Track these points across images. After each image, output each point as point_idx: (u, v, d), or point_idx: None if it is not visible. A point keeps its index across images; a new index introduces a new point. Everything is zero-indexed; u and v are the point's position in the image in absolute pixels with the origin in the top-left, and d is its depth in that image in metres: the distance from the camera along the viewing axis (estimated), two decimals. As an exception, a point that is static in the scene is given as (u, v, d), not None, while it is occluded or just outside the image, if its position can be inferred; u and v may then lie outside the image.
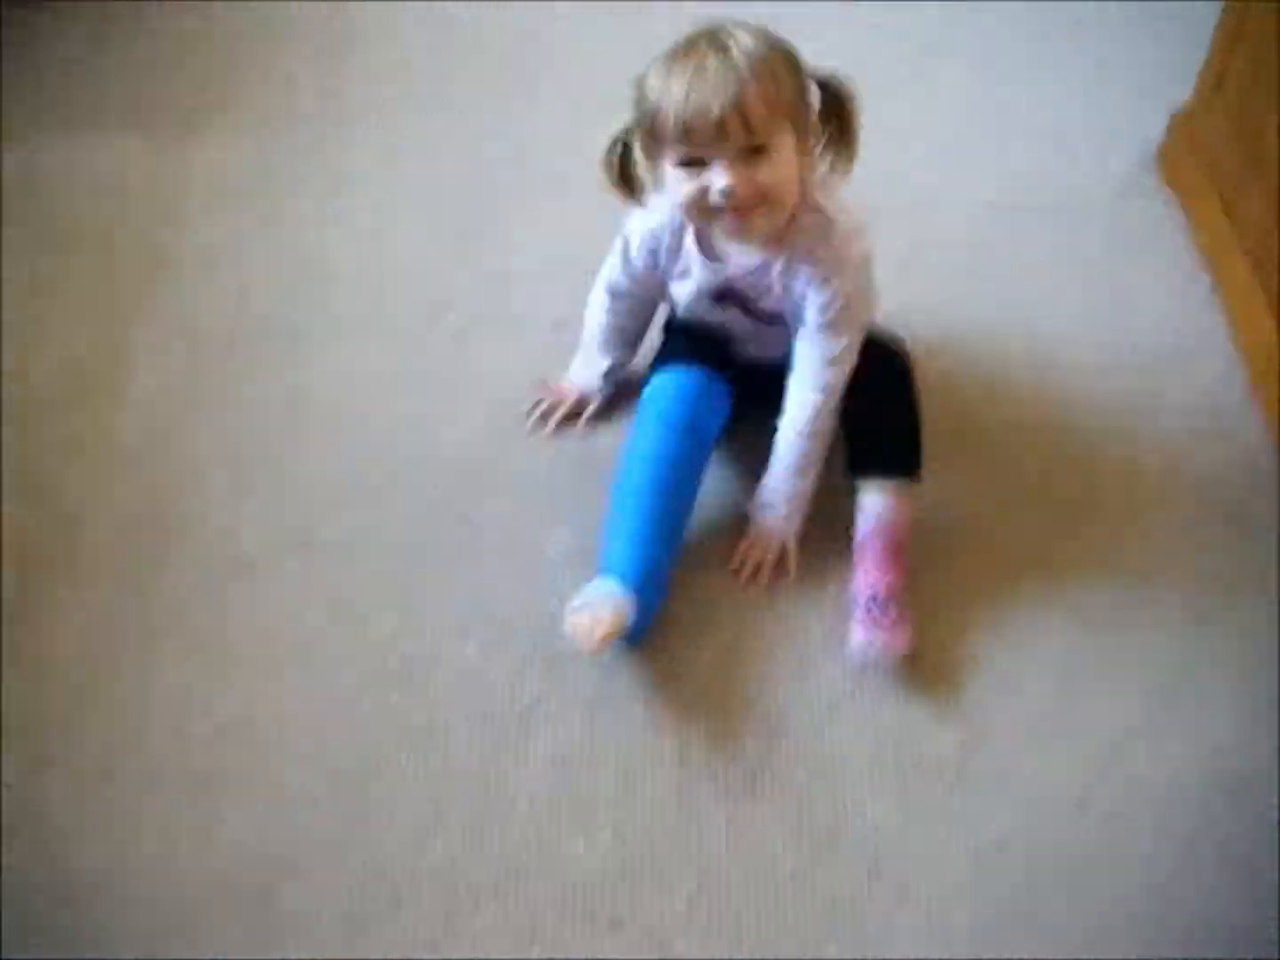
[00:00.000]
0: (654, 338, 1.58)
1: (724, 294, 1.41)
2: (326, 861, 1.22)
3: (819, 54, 1.27)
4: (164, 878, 1.21)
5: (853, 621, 1.38)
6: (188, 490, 1.50)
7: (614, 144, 1.31)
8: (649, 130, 1.24)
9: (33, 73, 2.05)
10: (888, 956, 1.18)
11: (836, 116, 1.28)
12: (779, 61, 1.22)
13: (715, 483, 1.49)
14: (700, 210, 1.27)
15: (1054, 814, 1.28)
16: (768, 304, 1.39)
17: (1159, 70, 2.09)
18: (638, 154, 1.30)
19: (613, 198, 1.34)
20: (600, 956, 1.17)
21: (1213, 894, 1.23)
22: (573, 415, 1.58)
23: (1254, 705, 1.36)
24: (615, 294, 1.51)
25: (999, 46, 2.21)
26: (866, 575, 1.39)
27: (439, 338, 1.70)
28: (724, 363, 1.48)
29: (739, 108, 1.18)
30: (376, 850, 1.23)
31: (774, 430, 1.43)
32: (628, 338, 1.57)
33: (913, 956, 1.18)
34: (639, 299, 1.51)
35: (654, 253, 1.41)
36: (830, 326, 1.36)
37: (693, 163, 1.23)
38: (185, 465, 1.53)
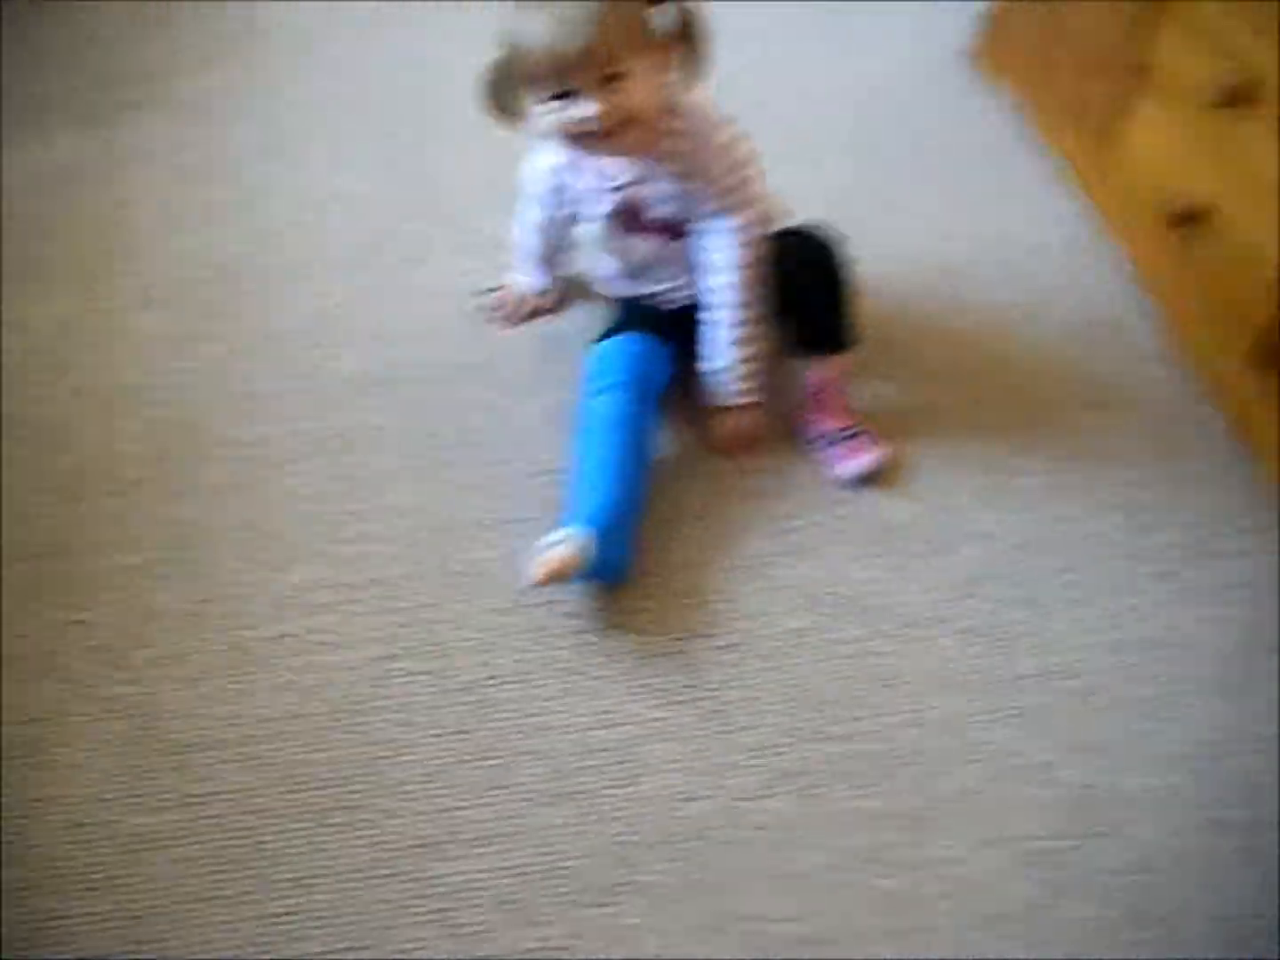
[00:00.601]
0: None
1: (628, 214, 1.53)
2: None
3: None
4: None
5: (834, 455, 1.58)
6: (200, 423, 1.62)
7: (492, 72, 1.42)
8: (516, 70, 1.37)
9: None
10: (898, 690, 1.39)
11: (687, 35, 1.41)
12: (619, 28, 1.32)
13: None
14: (575, 137, 1.39)
15: (1009, 555, 1.52)
16: (665, 211, 1.51)
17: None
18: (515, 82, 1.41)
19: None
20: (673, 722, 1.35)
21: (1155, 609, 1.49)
22: (530, 314, 1.74)
23: (1153, 459, 1.64)
24: (535, 230, 1.66)
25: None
26: (828, 417, 1.60)
27: (387, 263, 1.86)
28: (655, 322, 1.60)
29: (590, 43, 1.30)
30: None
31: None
32: (559, 256, 1.71)
33: (914, 684, 1.40)
34: (556, 229, 1.65)
35: (556, 190, 1.57)
36: (721, 207, 1.48)
37: (561, 95, 1.35)
38: (195, 402, 1.65)
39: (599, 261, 1.63)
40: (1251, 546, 1.54)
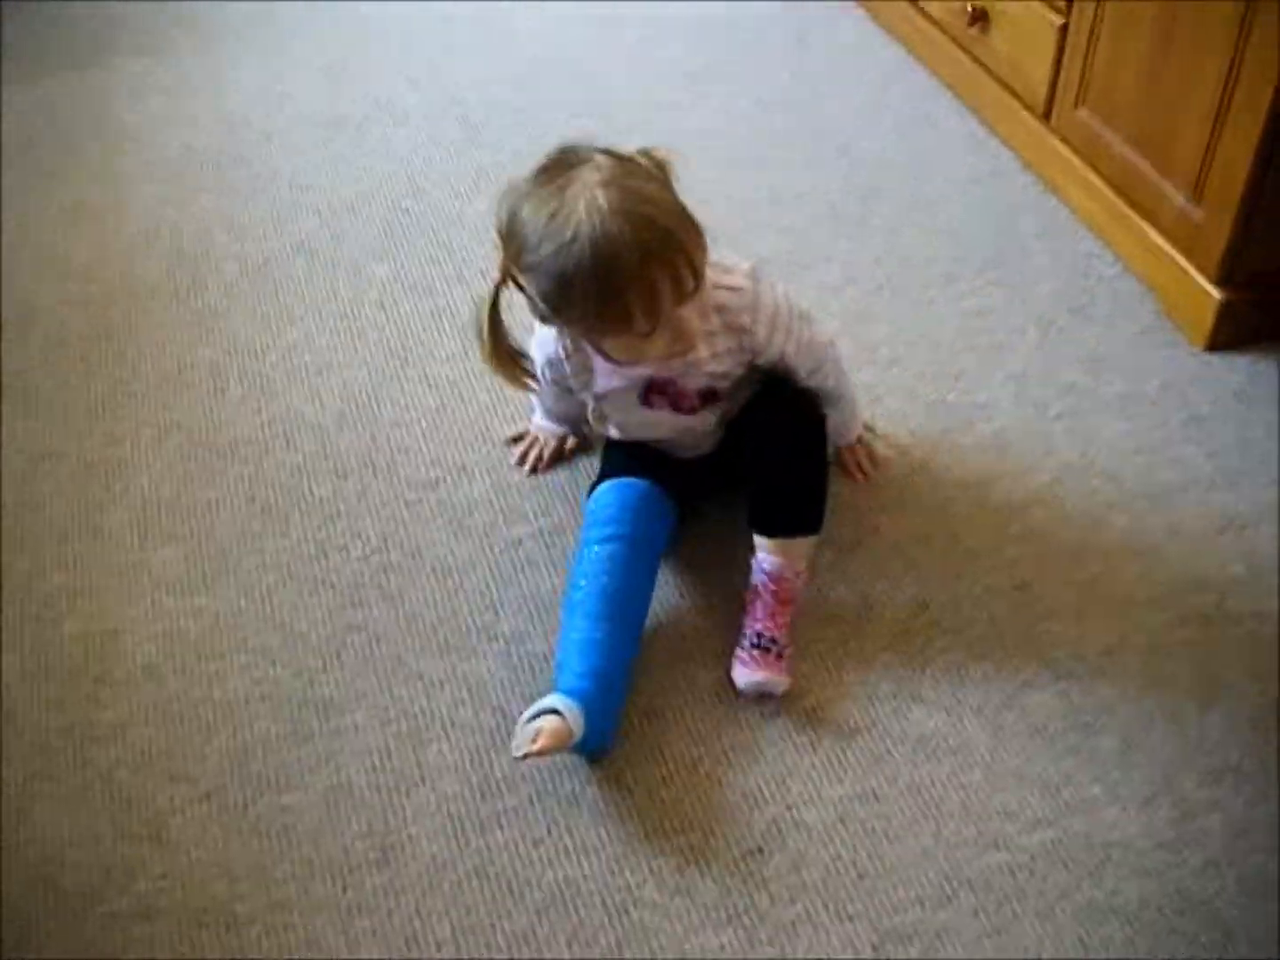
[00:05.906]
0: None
1: (649, 389, 1.39)
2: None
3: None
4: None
5: (736, 658, 1.40)
6: (205, 248, 2.02)
7: (489, 315, 1.29)
8: (565, 313, 1.23)
9: None
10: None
11: None
12: (671, 205, 1.20)
13: (669, 590, 1.51)
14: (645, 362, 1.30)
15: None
16: (695, 381, 1.38)
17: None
18: (509, 310, 1.30)
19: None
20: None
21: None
22: (556, 456, 1.65)
23: (974, 221, 2.06)
24: (545, 391, 1.49)
25: None
26: (754, 619, 1.41)
27: (343, 133, 2.27)
28: (662, 467, 1.47)
29: (676, 286, 1.19)
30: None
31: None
32: (573, 417, 1.58)
33: None
34: (565, 395, 1.49)
35: (559, 381, 1.42)
36: (774, 344, 1.36)
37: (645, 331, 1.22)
38: (197, 234, 2.05)
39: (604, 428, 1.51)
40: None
